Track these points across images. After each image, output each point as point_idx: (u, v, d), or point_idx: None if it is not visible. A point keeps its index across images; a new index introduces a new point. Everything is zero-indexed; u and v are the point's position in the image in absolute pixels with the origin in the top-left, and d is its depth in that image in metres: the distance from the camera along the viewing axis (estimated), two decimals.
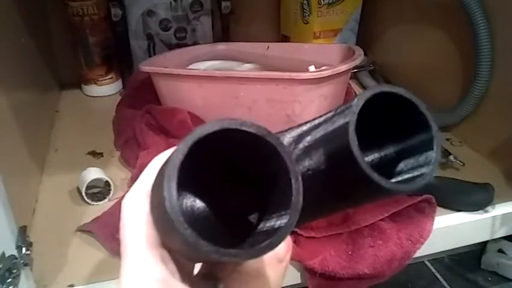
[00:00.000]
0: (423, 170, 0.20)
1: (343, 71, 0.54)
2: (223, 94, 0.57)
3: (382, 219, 0.48)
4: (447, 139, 0.66)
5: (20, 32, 0.59)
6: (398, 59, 0.80)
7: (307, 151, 0.21)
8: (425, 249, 0.48)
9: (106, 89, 0.80)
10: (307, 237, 0.46)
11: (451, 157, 0.58)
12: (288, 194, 0.18)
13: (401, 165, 0.22)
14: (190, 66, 0.70)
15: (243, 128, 0.18)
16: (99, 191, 0.54)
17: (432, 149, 0.20)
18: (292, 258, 0.45)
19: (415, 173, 0.20)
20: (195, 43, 0.80)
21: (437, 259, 0.60)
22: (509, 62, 0.57)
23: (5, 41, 0.52)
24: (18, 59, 0.57)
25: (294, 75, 0.53)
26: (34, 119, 0.61)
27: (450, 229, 0.51)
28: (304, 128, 0.22)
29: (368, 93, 0.20)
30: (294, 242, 0.46)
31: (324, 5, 0.79)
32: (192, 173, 0.19)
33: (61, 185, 0.56)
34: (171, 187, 0.17)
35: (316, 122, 0.22)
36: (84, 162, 0.59)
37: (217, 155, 0.20)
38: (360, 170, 0.18)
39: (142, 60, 0.74)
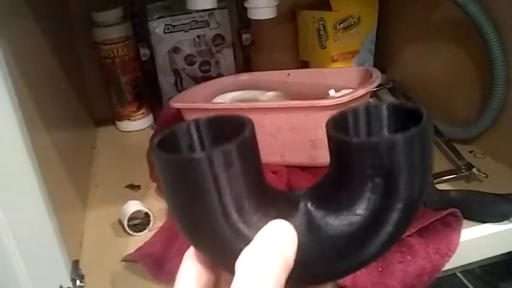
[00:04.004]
0: None
1: (362, 95, 0.57)
2: None
3: (409, 235, 0.50)
4: (470, 151, 0.67)
5: (58, 78, 0.64)
6: (417, 76, 0.82)
7: None
8: (454, 262, 0.49)
9: (138, 124, 0.84)
10: None
11: (474, 170, 0.60)
12: None
13: None
14: (216, 98, 0.74)
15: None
16: (139, 222, 0.57)
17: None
18: None
19: None
20: (219, 75, 0.84)
21: (468, 270, 0.61)
22: None
23: (47, 88, 0.56)
24: (58, 103, 0.62)
25: (314, 102, 0.56)
26: (75, 156, 0.66)
27: (477, 241, 0.52)
28: None
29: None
30: None
31: (339, 29, 0.82)
32: None
33: (104, 218, 0.60)
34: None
35: None
36: (124, 196, 0.63)
37: None
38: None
39: (171, 94, 0.79)
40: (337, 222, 0.22)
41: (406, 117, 0.22)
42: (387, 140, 0.21)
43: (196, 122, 0.24)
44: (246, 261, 0.20)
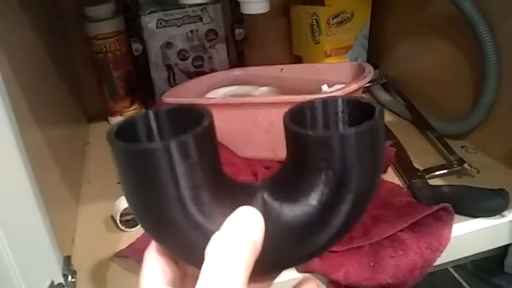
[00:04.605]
0: None
1: (354, 90, 0.57)
2: (242, 119, 0.61)
3: (401, 230, 0.50)
4: (462, 147, 0.67)
5: (49, 73, 0.63)
6: (410, 71, 0.82)
7: None
8: (446, 257, 0.49)
9: None
10: (330, 252, 0.48)
11: (466, 165, 0.60)
12: None
13: None
14: (209, 93, 0.74)
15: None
16: (132, 218, 0.57)
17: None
18: (316, 272, 0.48)
19: None
20: (212, 70, 0.84)
21: (460, 265, 0.62)
22: None
23: (38, 82, 0.56)
24: (50, 98, 0.61)
25: (307, 97, 0.55)
26: (67, 152, 0.65)
27: (469, 236, 0.52)
28: None
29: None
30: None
31: (332, 24, 0.82)
32: None
33: (96, 214, 0.60)
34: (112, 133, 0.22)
35: None
36: (116, 191, 0.62)
37: None
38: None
39: (164, 89, 0.79)
40: (292, 212, 0.23)
41: (362, 111, 0.23)
42: (338, 134, 0.22)
43: (156, 111, 0.24)
44: (215, 246, 0.21)
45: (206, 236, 0.21)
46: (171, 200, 0.21)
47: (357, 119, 0.23)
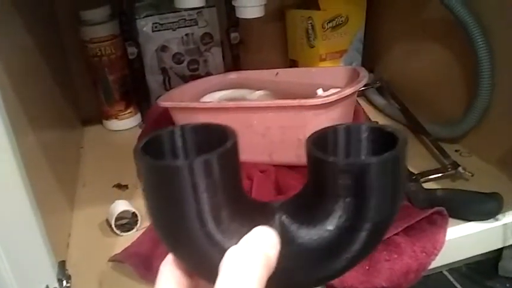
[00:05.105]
0: None
1: (349, 94, 0.57)
2: (237, 123, 0.60)
3: (396, 234, 0.50)
4: (456, 150, 0.68)
5: (44, 76, 0.63)
6: (404, 75, 0.83)
7: None
8: (441, 260, 0.49)
9: (126, 123, 0.84)
10: None
11: (460, 169, 0.60)
12: None
13: None
14: (205, 97, 0.74)
15: None
16: (127, 222, 0.57)
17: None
18: None
19: None
20: (207, 73, 0.84)
21: (454, 268, 0.62)
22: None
23: (32, 86, 0.56)
24: (44, 102, 0.61)
25: (302, 102, 0.56)
26: (62, 156, 0.65)
27: (463, 239, 0.53)
28: None
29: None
30: None
31: (327, 28, 0.82)
32: None
33: (91, 218, 0.59)
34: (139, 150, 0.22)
35: None
36: (111, 195, 0.62)
37: None
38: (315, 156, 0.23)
39: (159, 93, 0.79)
40: (309, 236, 0.23)
41: (385, 139, 0.23)
42: (360, 162, 0.22)
43: (182, 128, 0.25)
44: (229, 260, 0.21)
45: (223, 253, 0.21)
46: (191, 216, 0.22)
47: (379, 146, 0.23)
